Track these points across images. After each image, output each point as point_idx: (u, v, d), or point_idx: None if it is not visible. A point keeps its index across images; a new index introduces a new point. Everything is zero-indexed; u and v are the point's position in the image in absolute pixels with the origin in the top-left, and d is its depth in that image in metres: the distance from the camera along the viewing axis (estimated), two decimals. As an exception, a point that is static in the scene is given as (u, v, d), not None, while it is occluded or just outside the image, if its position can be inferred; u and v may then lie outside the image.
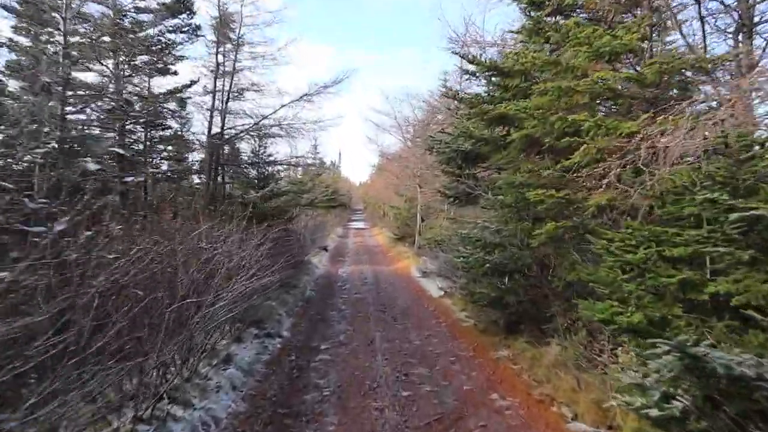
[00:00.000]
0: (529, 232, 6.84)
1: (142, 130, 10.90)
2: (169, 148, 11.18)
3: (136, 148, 10.65)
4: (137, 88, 10.50)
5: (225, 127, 10.37)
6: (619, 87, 4.79)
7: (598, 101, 4.80)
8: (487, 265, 6.59)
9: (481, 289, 6.68)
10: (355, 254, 21.37)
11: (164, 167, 10.91)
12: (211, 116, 10.11)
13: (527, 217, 6.99)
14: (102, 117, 10.59)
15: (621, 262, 4.31)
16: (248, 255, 5.41)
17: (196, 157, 11.47)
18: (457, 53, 7.62)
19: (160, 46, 8.72)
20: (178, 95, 9.38)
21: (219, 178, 12.37)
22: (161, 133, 11.42)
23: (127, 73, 10.14)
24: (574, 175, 4.92)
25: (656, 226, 4.25)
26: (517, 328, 6.95)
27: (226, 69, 10.25)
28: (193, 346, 4.13)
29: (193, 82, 9.22)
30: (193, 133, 10.30)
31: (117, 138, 10.20)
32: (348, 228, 37.61)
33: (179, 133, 9.96)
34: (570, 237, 5.46)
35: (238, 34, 10.14)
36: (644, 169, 4.03)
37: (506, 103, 5.67)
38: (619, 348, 4.18)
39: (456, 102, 7.95)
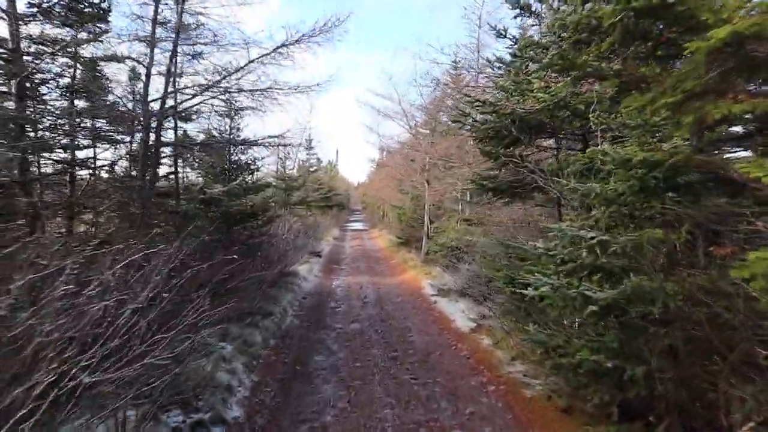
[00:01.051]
0: (682, 247, 3.88)
1: (58, 96, 7.87)
2: (100, 124, 8.13)
3: (47, 123, 7.61)
4: (49, 42, 7.49)
5: (170, 91, 7.34)
6: None
7: None
8: (592, 307, 3.61)
9: (582, 353, 3.68)
10: (353, 261, 18.37)
11: (89, 150, 7.83)
12: (148, 77, 7.09)
13: (641, 221, 4.06)
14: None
15: None
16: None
17: (136, 137, 8.42)
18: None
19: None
20: (91, 31, 6.31)
21: (175, 167, 9.42)
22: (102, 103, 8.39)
23: (30, 13, 7.13)
24: None
25: None
26: (636, 414, 3.98)
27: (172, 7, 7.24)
28: None
29: (103, 12, 6.15)
30: (120, 98, 7.25)
31: (15, 106, 7.18)
32: (345, 230, 34.79)
33: (100, 99, 6.93)
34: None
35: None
36: None
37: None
38: None
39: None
